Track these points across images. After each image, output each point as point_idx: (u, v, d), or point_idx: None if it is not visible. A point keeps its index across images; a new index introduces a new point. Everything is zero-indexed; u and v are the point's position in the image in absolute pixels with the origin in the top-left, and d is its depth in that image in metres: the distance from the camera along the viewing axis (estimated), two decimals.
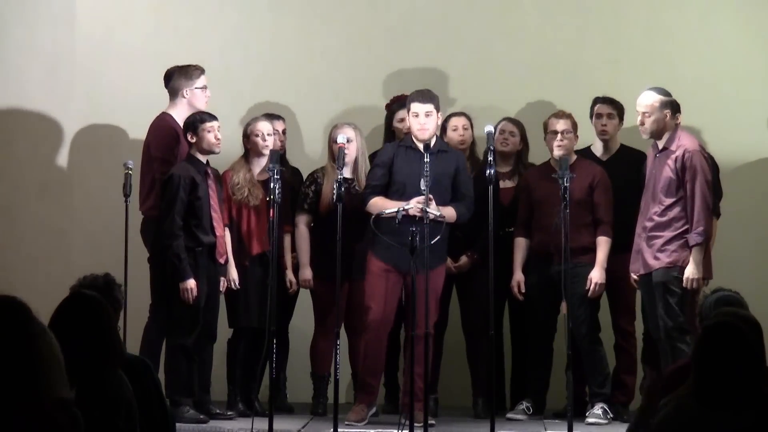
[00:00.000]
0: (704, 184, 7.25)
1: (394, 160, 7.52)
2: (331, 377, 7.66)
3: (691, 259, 7.25)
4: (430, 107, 7.46)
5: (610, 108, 8.08)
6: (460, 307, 8.09)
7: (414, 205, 7.23)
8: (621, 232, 7.76)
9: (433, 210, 7.16)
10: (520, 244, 7.89)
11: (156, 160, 7.83)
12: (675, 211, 7.30)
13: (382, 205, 7.43)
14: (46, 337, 3.41)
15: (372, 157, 7.91)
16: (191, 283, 7.41)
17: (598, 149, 8.16)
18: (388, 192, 7.53)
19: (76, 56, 8.95)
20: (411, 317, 6.97)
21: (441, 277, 7.49)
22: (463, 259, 7.94)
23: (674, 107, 7.42)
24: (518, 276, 7.84)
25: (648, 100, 7.42)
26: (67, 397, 3.40)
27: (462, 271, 7.94)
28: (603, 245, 7.74)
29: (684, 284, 7.23)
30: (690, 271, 7.24)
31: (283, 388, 8.15)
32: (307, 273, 7.93)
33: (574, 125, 7.82)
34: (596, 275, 7.69)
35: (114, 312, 4.54)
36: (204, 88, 7.91)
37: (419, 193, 7.22)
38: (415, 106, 7.48)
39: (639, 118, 7.45)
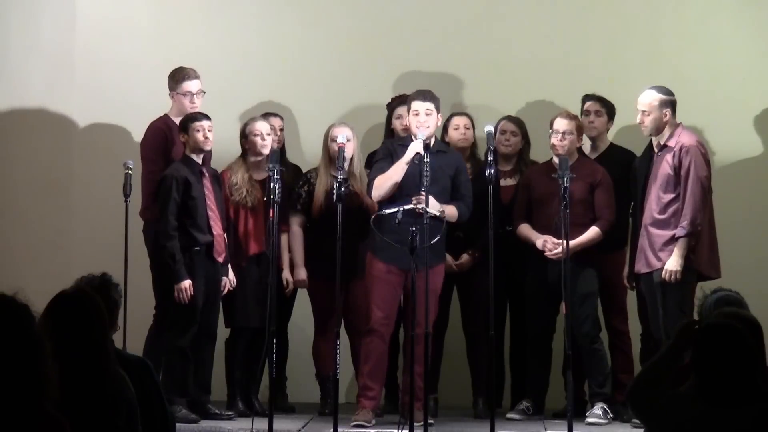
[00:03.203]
0: (696, 178, 7.26)
1: (392, 157, 7.51)
2: (338, 377, 7.65)
3: (674, 251, 7.24)
4: (430, 106, 7.46)
5: (597, 105, 8.11)
6: (461, 307, 8.09)
7: (414, 203, 7.21)
8: (626, 230, 7.78)
9: (434, 208, 7.15)
10: (526, 227, 7.81)
11: (142, 159, 7.88)
12: (674, 208, 7.31)
13: (382, 181, 7.36)
14: (44, 337, 3.42)
15: (371, 156, 7.91)
16: (186, 283, 7.41)
17: (587, 147, 8.18)
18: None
19: (76, 56, 8.95)
20: (411, 317, 6.96)
21: (440, 276, 7.49)
22: (465, 257, 7.94)
23: (674, 106, 7.44)
24: (542, 238, 7.68)
25: (647, 98, 7.46)
26: (56, 397, 3.42)
27: (463, 269, 7.94)
28: (590, 233, 7.68)
29: (663, 275, 7.22)
30: (670, 263, 7.23)
31: (283, 388, 8.15)
32: (301, 273, 7.93)
33: (578, 128, 7.80)
34: (559, 249, 7.52)
35: (111, 311, 4.54)
36: (188, 94, 7.86)
37: (417, 192, 7.22)
38: (416, 104, 7.48)
39: (639, 116, 7.47)
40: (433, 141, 7.47)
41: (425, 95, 7.50)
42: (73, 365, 3.92)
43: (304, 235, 7.95)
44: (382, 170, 7.45)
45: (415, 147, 7.32)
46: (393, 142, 7.67)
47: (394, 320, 7.53)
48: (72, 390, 3.80)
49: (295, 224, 7.96)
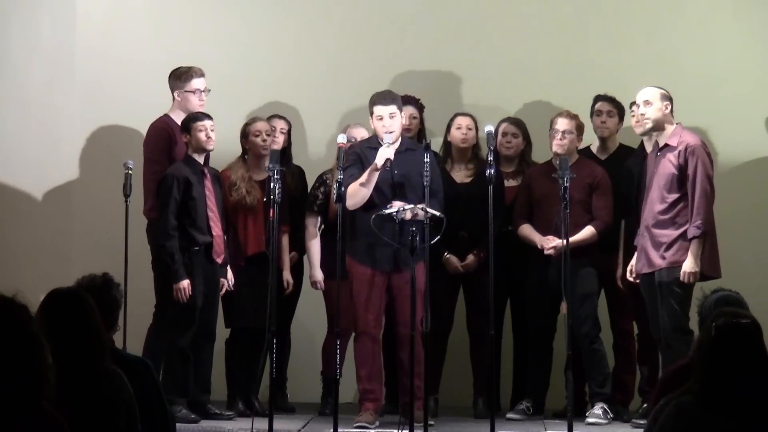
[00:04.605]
0: (705, 178, 7.26)
1: (362, 162, 7.45)
2: (341, 378, 7.63)
3: (689, 252, 7.24)
4: (392, 108, 7.42)
5: (610, 106, 8.11)
6: (466, 307, 8.08)
7: (414, 209, 7.19)
8: (618, 231, 7.76)
9: (433, 210, 7.14)
10: (527, 227, 7.83)
11: (145, 159, 7.87)
12: (679, 207, 7.30)
13: (355, 190, 7.29)
14: (42, 338, 3.43)
15: None
16: (184, 283, 7.42)
17: (596, 148, 8.18)
18: None
19: (76, 56, 8.95)
20: (411, 317, 6.96)
21: (422, 274, 7.40)
22: (470, 257, 7.94)
23: (672, 103, 7.45)
24: (544, 238, 7.73)
25: (648, 91, 7.45)
26: (54, 396, 3.43)
27: (469, 270, 7.93)
28: (585, 232, 7.70)
29: (681, 278, 7.21)
30: (688, 265, 7.22)
31: (283, 388, 8.15)
32: (317, 274, 7.93)
33: (579, 127, 7.80)
34: (556, 243, 7.60)
35: (112, 311, 4.54)
36: (197, 91, 7.85)
37: (391, 191, 7.23)
38: (378, 109, 7.44)
39: (640, 108, 7.45)
40: (399, 140, 7.44)
41: (386, 98, 7.45)
42: (68, 363, 3.92)
43: (320, 236, 7.94)
44: (353, 177, 7.38)
45: (385, 153, 7.28)
46: (361, 146, 7.59)
47: (381, 321, 7.52)
48: (69, 388, 3.80)
49: (311, 225, 7.95)
